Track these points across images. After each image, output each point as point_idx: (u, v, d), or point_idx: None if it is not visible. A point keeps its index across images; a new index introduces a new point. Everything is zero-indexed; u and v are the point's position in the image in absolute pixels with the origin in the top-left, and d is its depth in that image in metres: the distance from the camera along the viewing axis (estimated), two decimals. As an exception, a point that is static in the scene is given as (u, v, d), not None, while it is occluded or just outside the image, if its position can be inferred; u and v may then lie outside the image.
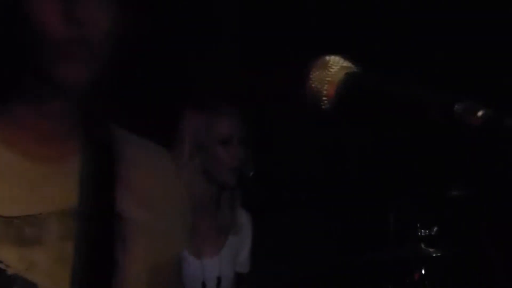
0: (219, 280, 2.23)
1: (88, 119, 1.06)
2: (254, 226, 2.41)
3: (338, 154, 3.68)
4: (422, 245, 2.55)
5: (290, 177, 3.55)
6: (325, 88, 0.76)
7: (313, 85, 0.77)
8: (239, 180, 2.26)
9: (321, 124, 3.11)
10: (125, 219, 1.04)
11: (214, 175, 2.23)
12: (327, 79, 0.76)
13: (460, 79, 3.24)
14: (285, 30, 3.45)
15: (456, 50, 3.54)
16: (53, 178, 1.01)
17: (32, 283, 0.95)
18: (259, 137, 2.74)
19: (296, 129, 3.40)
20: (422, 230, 2.57)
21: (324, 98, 0.77)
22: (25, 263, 0.95)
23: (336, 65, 0.77)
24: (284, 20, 3.54)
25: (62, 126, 1.03)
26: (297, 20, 3.55)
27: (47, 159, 1.01)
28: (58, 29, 0.94)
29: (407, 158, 3.21)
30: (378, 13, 3.66)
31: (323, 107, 0.77)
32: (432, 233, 2.58)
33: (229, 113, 2.27)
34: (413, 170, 3.25)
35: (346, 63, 0.78)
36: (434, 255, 2.53)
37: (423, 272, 2.55)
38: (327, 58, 0.78)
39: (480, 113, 0.68)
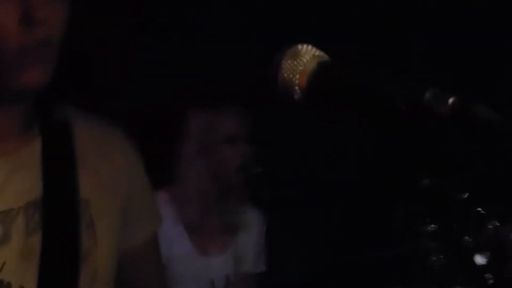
0: (228, 278, 2.22)
1: (44, 108, 1.04)
2: (263, 224, 2.40)
3: (338, 154, 3.68)
4: (430, 241, 2.53)
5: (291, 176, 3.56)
6: (297, 77, 0.75)
7: (285, 75, 0.76)
8: (246, 178, 2.25)
9: (322, 123, 3.10)
10: (91, 204, 1.03)
11: (219, 174, 2.23)
12: (300, 68, 0.75)
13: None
14: (289, 29, 3.46)
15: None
16: (18, 172, 0.99)
17: (8, 283, 0.94)
18: (260, 137, 2.74)
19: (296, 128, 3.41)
20: (431, 225, 2.55)
21: (296, 88, 0.75)
22: None
23: (308, 54, 0.76)
24: (286, 19, 3.54)
25: (20, 121, 1.02)
26: (298, 18, 3.56)
27: (8, 154, 0.99)
28: (18, 35, 0.91)
29: (406, 155, 3.20)
30: (378, 12, 3.66)
31: (295, 97, 0.76)
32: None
33: (234, 112, 2.27)
34: (412, 167, 3.24)
35: (318, 52, 0.77)
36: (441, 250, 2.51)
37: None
38: (299, 47, 0.77)
39: (450, 101, 0.66)
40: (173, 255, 2.22)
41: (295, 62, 0.75)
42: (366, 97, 0.72)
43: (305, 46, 0.77)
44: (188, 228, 2.24)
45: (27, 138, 1.02)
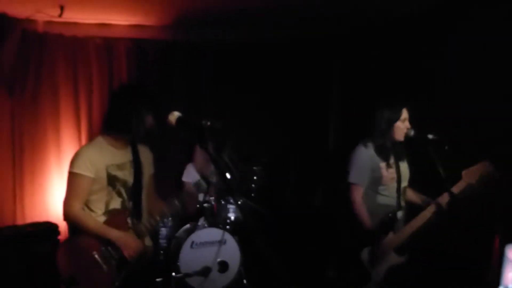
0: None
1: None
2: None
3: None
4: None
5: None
6: (171, 121, 2.41)
7: (168, 120, 2.41)
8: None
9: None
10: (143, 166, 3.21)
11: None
12: (172, 118, 2.40)
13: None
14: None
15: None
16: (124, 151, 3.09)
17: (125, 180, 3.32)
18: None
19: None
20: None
21: (171, 124, 2.41)
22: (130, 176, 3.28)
23: (176, 114, 2.41)
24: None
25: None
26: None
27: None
28: None
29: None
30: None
31: (173, 127, 2.40)
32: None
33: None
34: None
35: (180, 113, 2.41)
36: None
37: None
38: (174, 112, 2.41)
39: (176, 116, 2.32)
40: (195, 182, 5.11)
41: (171, 117, 2.41)
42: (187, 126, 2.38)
43: (176, 112, 2.42)
44: (199, 173, 5.43)
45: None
